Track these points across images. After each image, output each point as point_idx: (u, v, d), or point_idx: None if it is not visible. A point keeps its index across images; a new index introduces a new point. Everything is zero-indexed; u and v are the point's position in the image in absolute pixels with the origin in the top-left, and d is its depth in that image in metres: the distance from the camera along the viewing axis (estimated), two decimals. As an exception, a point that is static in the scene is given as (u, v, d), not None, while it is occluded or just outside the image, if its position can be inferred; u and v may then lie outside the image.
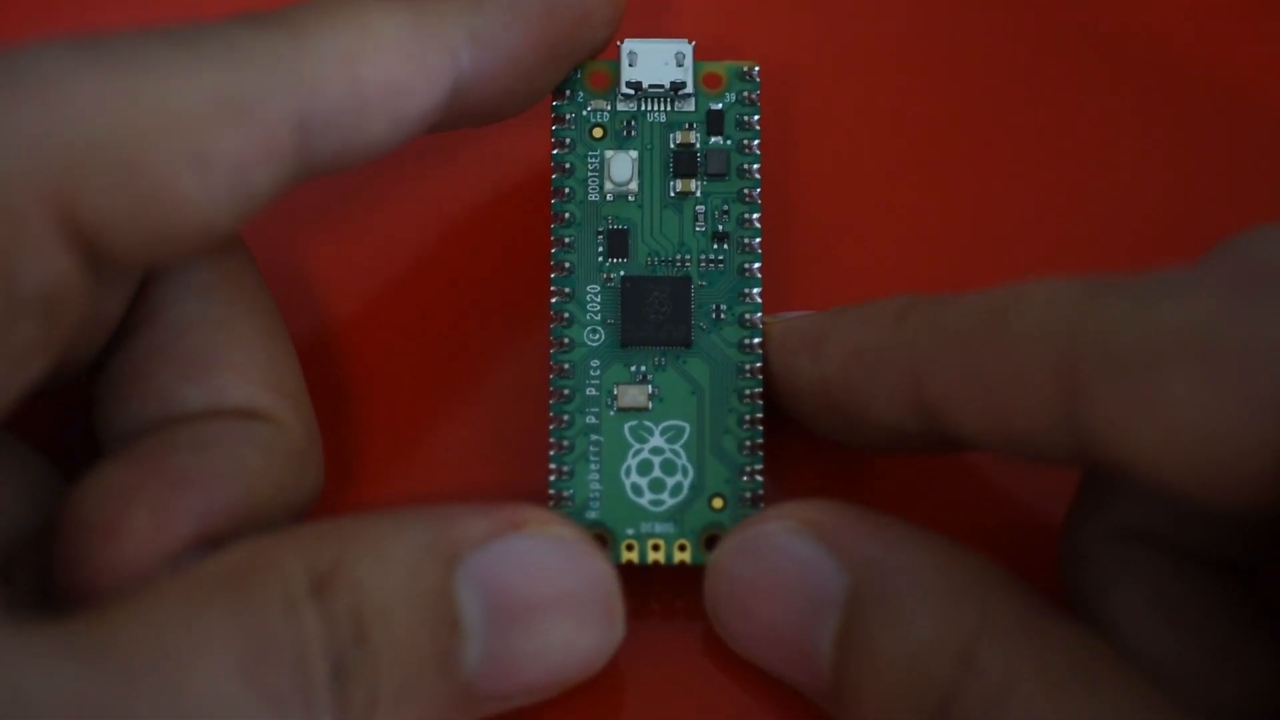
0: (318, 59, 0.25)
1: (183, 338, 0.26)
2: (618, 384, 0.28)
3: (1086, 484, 0.27)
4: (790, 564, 0.26)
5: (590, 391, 0.28)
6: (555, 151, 0.29)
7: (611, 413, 0.28)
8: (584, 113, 0.29)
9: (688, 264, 0.29)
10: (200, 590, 0.23)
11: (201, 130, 0.24)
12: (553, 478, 0.28)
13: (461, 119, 0.28)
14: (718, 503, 0.28)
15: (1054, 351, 0.23)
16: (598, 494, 0.28)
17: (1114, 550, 0.26)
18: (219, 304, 0.26)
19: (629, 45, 0.29)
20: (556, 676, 0.25)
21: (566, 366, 0.28)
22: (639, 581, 0.28)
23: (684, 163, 0.29)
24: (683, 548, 0.28)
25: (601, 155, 0.29)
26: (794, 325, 0.28)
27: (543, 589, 0.25)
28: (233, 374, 0.26)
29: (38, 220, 0.23)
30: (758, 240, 0.29)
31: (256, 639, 0.23)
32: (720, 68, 0.29)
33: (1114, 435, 0.22)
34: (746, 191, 0.29)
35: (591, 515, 0.28)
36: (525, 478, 0.29)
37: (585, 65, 0.29)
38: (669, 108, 0.29)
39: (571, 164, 0.29)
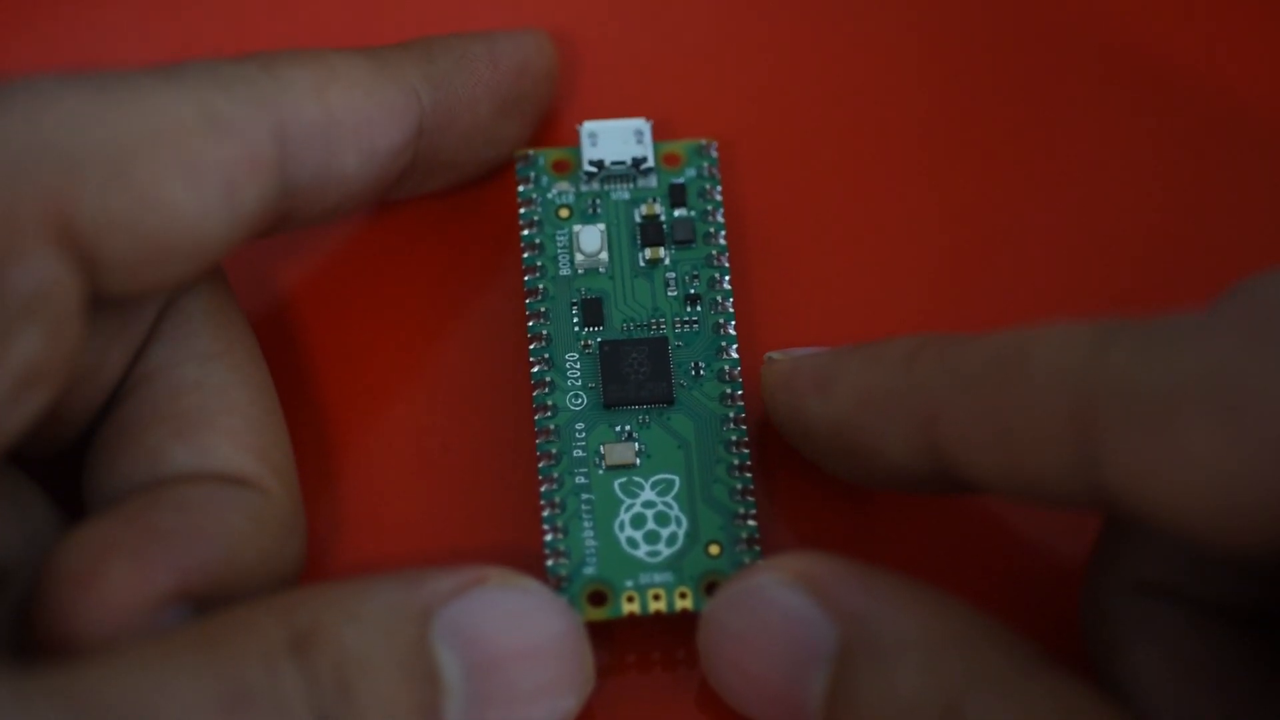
0: (291, 87, 0.26)
1: (178, 399, 0.26)
2: (604, 443, 0.28)
3: (1104, 538, 0.27)
4: (780, 617, 0.25)
5: (577, 453, 0.28)
6: (525, 231, 0.30)
7: (600, 471, 0.28)
8: (549, 195, 0.30)
9: (663, 327, 0.29)
10: (178, 650, 0.23)
11: (189, 141, 0.25)
12: (548, 536, 0.28)
13: (431, 169, 0.29)
14: (714, 549, 0.28)
15: (1069, 398, 0.23)
16: (593, 550, 0.28)
17: (1134, 606, 0.26)
18: (218, 371, 0.27)
19: (588, 126, 0.30)
20: None
21: (552, 428, 0.28)
22: (640, 631, 0.28)
23: (651, 232, 0.30)
24: (684, 595, 0.27)
25: (570, 231, 0.30)
26: (802, 364, 0.28)
27: (515, 638, 0.25)
28: (224, 438, 0.26)
29: (29, 223, 0.23)
30: (730, 301, 0.29)
31: (236, 694, 0.23)
32: (679, 147, 0.30)
33: (1132, 483, 0.22)
34: (715, 255, 0.30)
35: (589, 571, 0.27)
36: (514, 540, 0.29)
37: (546, 154, 0.30)
38: (632, 185, 0.30)
39: (541, 242, 0.30)
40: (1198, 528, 0.22)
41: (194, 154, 0.25)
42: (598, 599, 0.27)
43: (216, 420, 0.26)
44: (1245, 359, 0.22)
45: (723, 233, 0.30)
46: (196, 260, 0.25)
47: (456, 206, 0.31)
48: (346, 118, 0.27)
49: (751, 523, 0.28)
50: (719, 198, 0.30)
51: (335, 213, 0.28)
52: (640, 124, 0.30)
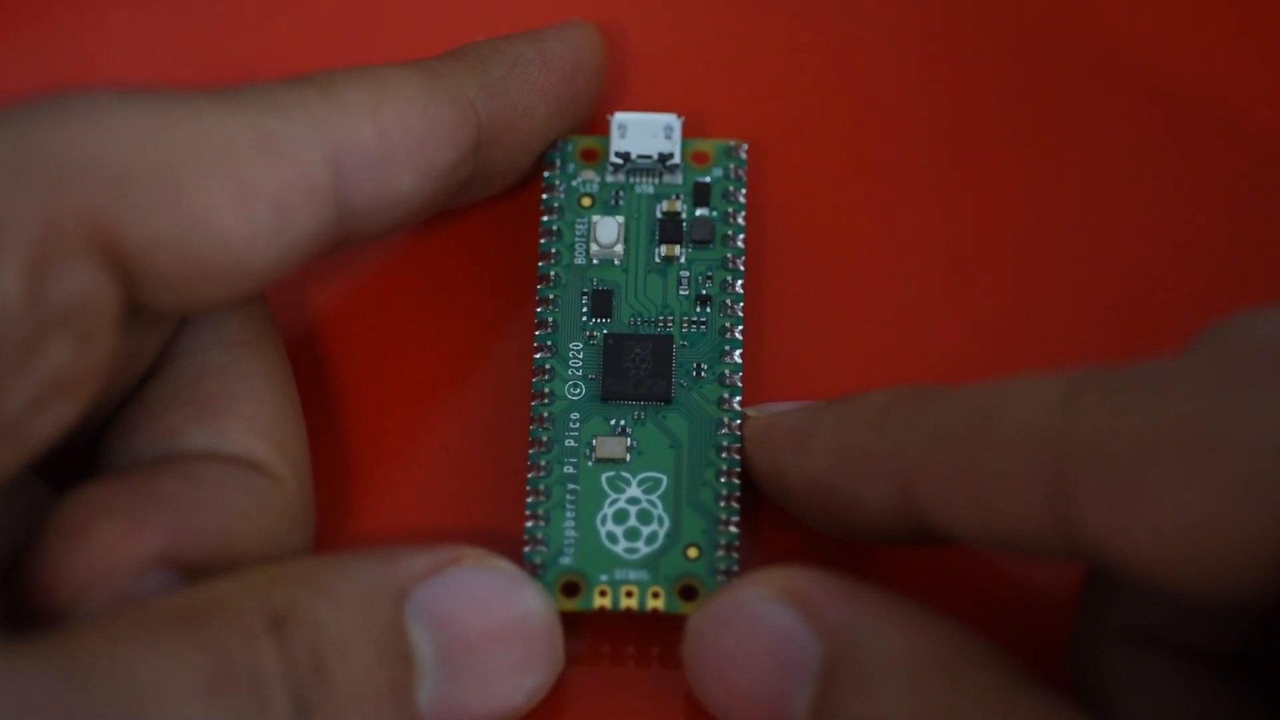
0: (345, 109, 0.26)
1: (200, 383, 0.27)
2: (596, 436, 0.28)
3: (1088, 586, 0.26)
4: (766, 632, 0.25)
5: (569, 443, 0.28)
6: (545, 218, 0.30)
7: (590, 463, 0.28)
8: (574, 183, 0.30)
9: (670, 325, 0.29)
10: (166, 624, 0.23)
11: (242, 164, 0.24)
12: (529, 523, 0.28)
13: (489, 178, 0.29)
14: (693, 552, 0.28)
15: (1042, 454, 0.23)
16: (572, 540, 0.28)
17: (1120, 653, 0.25)
18: (242, 359, 0.27)
19: (619, 118, 0.30)
20: (505, 705, 0.26)
21: (546, 415, 0.28)
22: (616, 628, 0.28)
23: (670, 229, 0.30)
24: (656, 595, 0.28)
25: (589, 221, 0.30)
26: (778, 422, 0.28)
27: (487, 618, 0.26)
28: (242, 423, 0.26)
29: (72, 233, 0.23)
30: (740, 305, 0.29)
31: (218, 668, 0.23)
32: (708, 146, 0.30)
33: (1107, 536, 0.22)
34: (731, 258, 0.29)
35: (565, 561, 0.28)
36: (499, 525, 0.29)
37: (576, 140, 0.30)
38: (657, 180, 0.30)
39: (559, 229, 0.30)
40: (1172, 578, 0.22)
41: (246, 177, 0.24)
42: (571, 590, 0.28)
43: (236, 406, 0.26)
44: (1214, 406, 0.21)
45: (742, 236, 0.30)
46: (244, 282, 0.25)
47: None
48: (402, 137, 0.26)
49: (733, 529, 0.28)
50: (743, 200, 0.30)
51: (393, 230, 0.27)
52: (671, 120, 0.30)
